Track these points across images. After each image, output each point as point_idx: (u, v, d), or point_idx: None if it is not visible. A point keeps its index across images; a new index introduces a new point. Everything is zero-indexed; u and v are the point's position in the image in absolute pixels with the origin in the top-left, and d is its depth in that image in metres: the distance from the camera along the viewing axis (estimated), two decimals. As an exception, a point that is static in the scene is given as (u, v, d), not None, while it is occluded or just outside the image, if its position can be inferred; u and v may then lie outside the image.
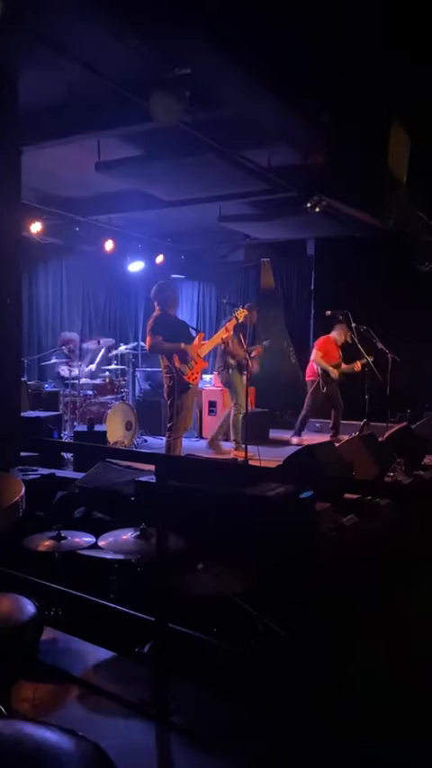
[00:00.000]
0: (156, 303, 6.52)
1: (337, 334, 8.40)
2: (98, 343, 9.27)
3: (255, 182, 6.91)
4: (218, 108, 5.19)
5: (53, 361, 8.52)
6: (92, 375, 8.62)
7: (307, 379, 8.61)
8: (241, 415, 7.44)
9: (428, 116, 5.29)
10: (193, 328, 7.03)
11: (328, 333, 8.48)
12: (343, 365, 8.30)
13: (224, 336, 7.24)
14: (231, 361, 7.61)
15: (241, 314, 7.04)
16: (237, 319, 6.95)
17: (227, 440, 7.88)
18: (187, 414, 6.48)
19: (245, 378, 7.38)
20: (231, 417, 7.63)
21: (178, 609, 2.81)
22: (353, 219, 6.77)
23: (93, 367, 8.67)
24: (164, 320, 6.42)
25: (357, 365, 8.08)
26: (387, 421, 7.54)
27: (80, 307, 10.47)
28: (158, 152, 6.27)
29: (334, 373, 8.23)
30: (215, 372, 7.67)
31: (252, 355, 7.45)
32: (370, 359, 7.75)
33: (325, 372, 8.25)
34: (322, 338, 8.52)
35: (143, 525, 3.39)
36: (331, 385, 8.29)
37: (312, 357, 8.43)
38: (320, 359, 8.30)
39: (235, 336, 7.33)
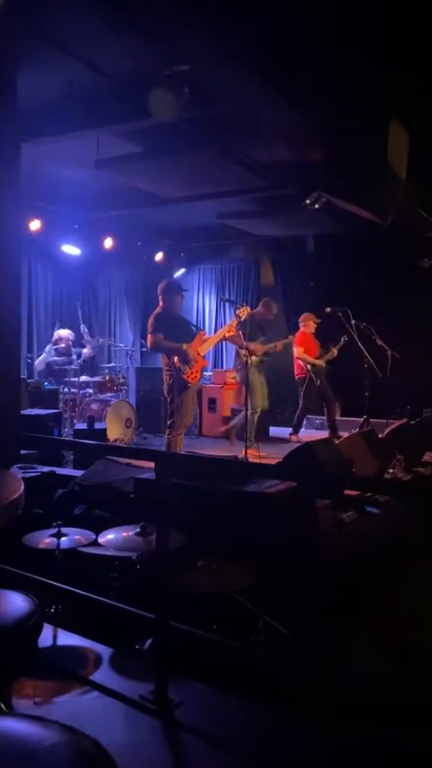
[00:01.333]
0: (161, 299, 6.51)
1: (306, 327, 8.54)
2: (98, 341, 9.26)
3: (254, 178, 6.90)
4: (217, 105, 5.19)
5: (49, 358, 8.49)
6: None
7: (296, 377, 8.60)
8: (257, 415, 7.39)
9: (428, 112, 5.28)
10: (193, 326, 7.01)
11: (329, 329, 8.48)
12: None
13: (228, 334, 7.19)
14: (253, 359, 7.38)
15: (243, 312, 7.01)
16: (239, 317, 6.92)
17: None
18: (187, 411, 6.47)
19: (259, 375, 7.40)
20: (248, 416, 7.54)
21: (178, 606, 2.81)
22: (352, 216, 6.76)
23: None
24: (165, 317, 6.40)
25: (334, 351, 8.22)
26: (387, 417, 7.54)
27: (79, 304, 10.44)
28: (157, 149, 6.25)
29: (320, 364, 8.30)
30: (234, 368, 7.61)
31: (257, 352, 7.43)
32: (345, 339, 7.92)
33: (313, 366, 8.27)
34: (298, 334, 8.60)
35: (143, 522, 3.39)
36: (321, 377, 8.32)
37: (296, 354, 8.46)
38: (304, 353, 8.37)
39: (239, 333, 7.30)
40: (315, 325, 8.53)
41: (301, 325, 8.63)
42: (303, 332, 8.55)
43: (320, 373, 8.34)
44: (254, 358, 7.39)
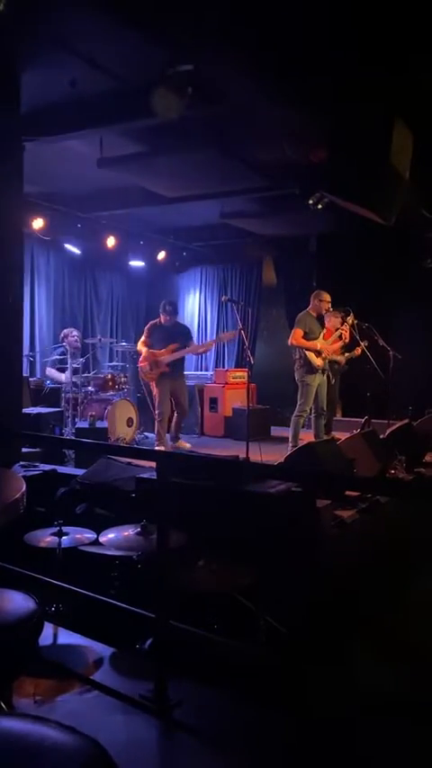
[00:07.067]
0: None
1: (329, 323, 8.24)
2: (99, 340, 9.25)
3: (257, 178, 6.90)
4: (220, 104, 5.18)
5: (53, 357, 8.48)
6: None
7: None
8: (302, 419, 7.19)
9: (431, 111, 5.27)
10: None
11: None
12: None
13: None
14: (317, 361, 7.15)
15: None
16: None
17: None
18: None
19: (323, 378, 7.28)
20: (293, 417, 7.27)
21: (179, 605, 2.81)
22: (355, 216, 6.75)
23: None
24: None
25: (357, 351, 7.86)
26: (388, 418, 7.53)
27: (82, 303, 10.46)
28: (161, 148, 6.25)
29: (341, 361, 8.03)
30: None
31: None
32: (366, 343, 7.66)
33: (331, 364, 8.15)
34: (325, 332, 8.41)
35: (144, 522, 3.40)
36: (337, 377, 8.16)
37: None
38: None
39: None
40: (339, 321, 7.83)
41: (326, 322, 7.99)
42: (328, 328, 7.92)
43: (336, 373, 7.98)
44: (321, 359, 7.19)
